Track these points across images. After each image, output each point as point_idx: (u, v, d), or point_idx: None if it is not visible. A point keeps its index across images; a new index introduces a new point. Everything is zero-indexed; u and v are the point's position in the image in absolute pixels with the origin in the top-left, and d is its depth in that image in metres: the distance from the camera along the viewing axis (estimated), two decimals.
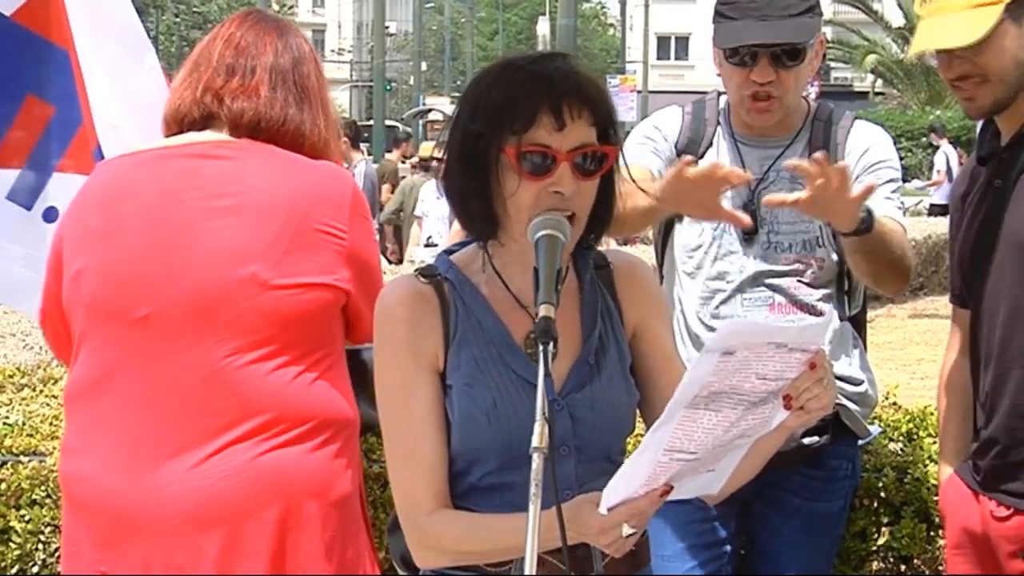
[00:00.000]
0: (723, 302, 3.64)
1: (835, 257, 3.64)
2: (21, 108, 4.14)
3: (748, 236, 3.63)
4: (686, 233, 3.73)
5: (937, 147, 25.27)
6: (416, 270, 2.68)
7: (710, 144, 3.73)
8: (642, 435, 2.32)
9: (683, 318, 3.70)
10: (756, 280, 3.63)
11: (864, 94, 49.20)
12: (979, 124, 3.30)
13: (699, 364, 2.17)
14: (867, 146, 3.67)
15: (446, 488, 2.56)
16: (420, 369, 2.56)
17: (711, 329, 3.60)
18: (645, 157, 3.67)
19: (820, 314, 3.57)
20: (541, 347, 2.24)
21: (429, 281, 2.61)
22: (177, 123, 3.20)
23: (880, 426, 4.00)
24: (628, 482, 2.26)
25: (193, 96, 3.17)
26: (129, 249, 3.04)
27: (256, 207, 3.02)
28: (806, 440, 3.56)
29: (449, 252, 2.70)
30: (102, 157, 3.69)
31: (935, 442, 3.98)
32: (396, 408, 2.58)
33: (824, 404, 2.33)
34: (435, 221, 12.89)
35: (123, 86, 4.02)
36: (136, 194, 3.09)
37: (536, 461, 2.16)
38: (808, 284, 3.62)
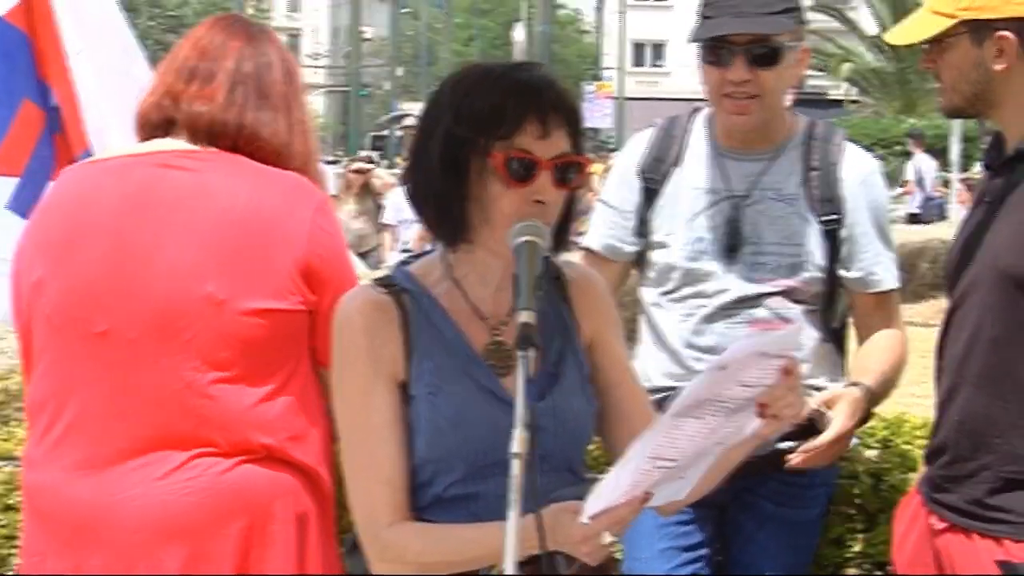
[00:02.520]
0: (704, 319, 3.61)
1: (820, 277, 3.63)
2: (18, 113, 4.11)
3: (730, 253, 3.61)
4: (662, 253, 3.70)
5: (912, 155, 25.34)
6: (374, 280, 2.68)
7: (676, 162, 3.71)
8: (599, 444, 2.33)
9: (664, 339, 3.67)
10: (737, 298, 3.60)
11: (839, 102, 49.29)
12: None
13: (697, 382, 2.22)
14: (863, 178, 3.67)
15: (406, 500, 2.55)
16: (379, 379, 2.56)
17: (694, 346, 3.60)
18: (605, 227, 3.75)
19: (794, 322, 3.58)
20: (521, 353, 2.25)
21: (388, 291, 2.61)
22: (143, 128, 3.16)
23: (856, 434, 4.00)
24: (611, 491, 2.27)
25: (154, 100, 3.14)
26: (89, 261, 2.99)
27: (214, 223, 2.98)
28: (782, 445, 3.56)
29: (405, 263, 2.70)
30: None
31: (911, 449, 3.99)
32: (355, 418, 2.58)
33: (796, 412, 2.37)
34: (415, 227, 12.86)
35: (114, 89, 4.00)
36: (98, 204, 3.04)
37: (515, 467, 2.16)
38: (792, 301, 3.61)
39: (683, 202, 3.67)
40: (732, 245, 3.59)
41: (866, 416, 3.63)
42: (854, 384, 3.62)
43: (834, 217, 3.63)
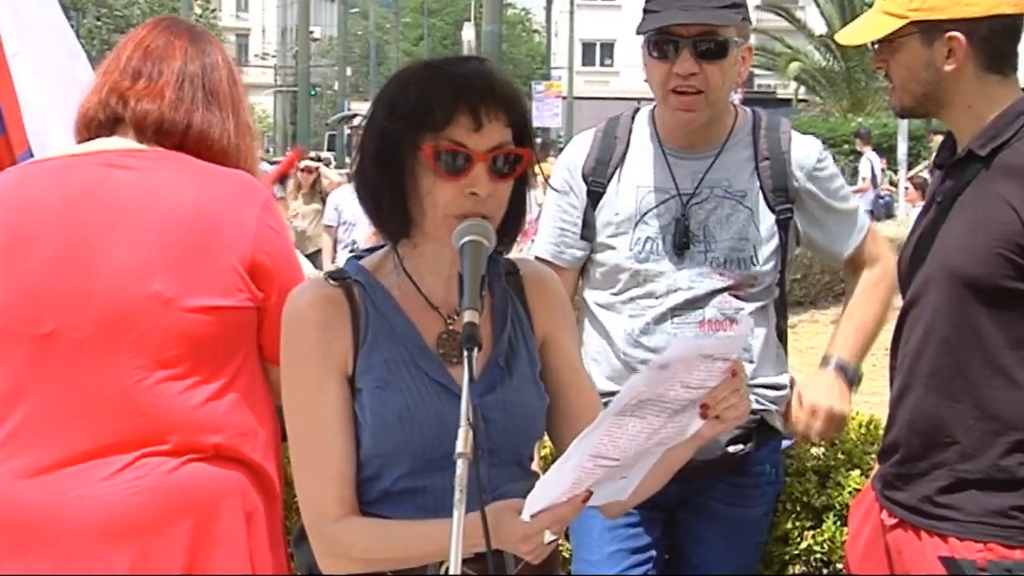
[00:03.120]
0: (654, 320, 3.61)
1: (771, 272, 3.65)
2: None
3: (680, 253, 3.61)
4: (609, 255, 3.69)
5: (860, 153, 25.47)
6: (325, 273, 2.67)
7: (620, 162, 3.70)
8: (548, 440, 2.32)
9: (610, 340, 3.66)
10: (688, 297, 3.60)
11: (787, 101, 49.53)
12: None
13: (637, 379, 2.20)
14: (813, 163, 3.71)
15: (354, 495, 2.54)
16: (329, 373, 2.55)
17: (641, 346, 3.60)
18: (552, 235, 3.75)
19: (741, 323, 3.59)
20: (466, 353, 2.24)
21: (339, 284, 2.60)
22: (86, 128, 3.14)
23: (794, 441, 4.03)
24: (552, 489, 2.26)
25: (99, 98, 3.12)
26: (34, 262, 2.97)
27: (160, 222, 2.96)
28: (731, 448, 3.56)
29: (358, 257, 2.70)
30: None
31: (856, 446, 4.02)
32: (303, 413, 2.57)
33: (739, 413, 2.37)
34: (367, 227, 12.77)
35: (55, 90, 3.97)
36: (39, 205, 3.01)
37: (460, 466, 2.15)
38: (741, 299, 3.62)
39: (628, 202, 3.67)
40: (682, 244, 3.59)
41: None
42: (826, 361, 3.73)
43: (787, 207, 3.65)
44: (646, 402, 2.23)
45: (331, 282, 2.61)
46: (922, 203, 3.46)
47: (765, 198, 3.64)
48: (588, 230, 3.70)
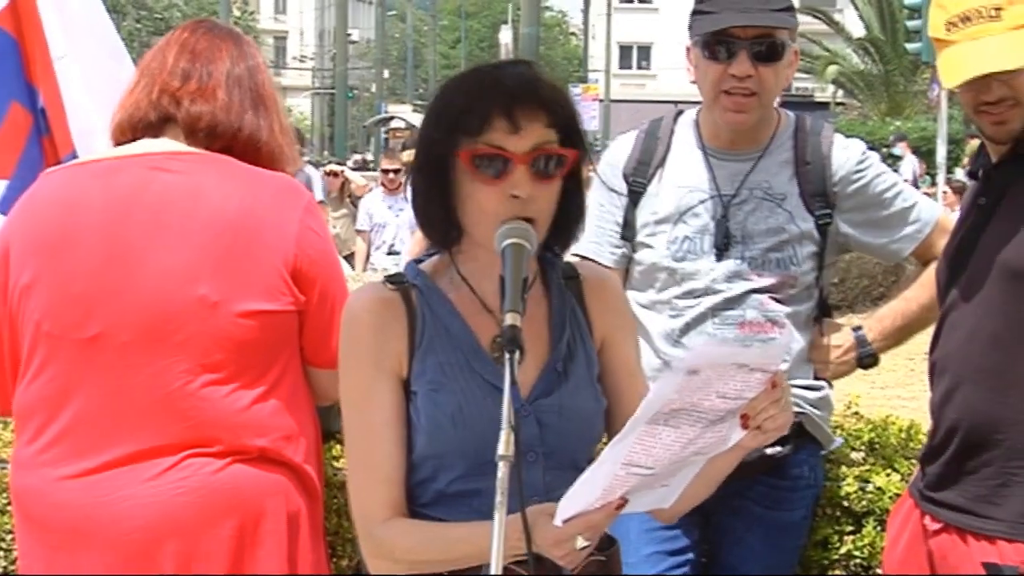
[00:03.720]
0: (693, 320, 3.60)
1: (809, 277, 3.65)
2: (6, 116, 4.11)
3: (719, 253, 3.61)
4: (647, 253, 3.69)
5: (900, 157, 25.37)
6: (384, 277, 2.68)
7: (661, 163, 3.70)
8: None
9: (649, 340, 3.64)
10: (727, 296, 3.59)
11: (825, 104, 49.40)
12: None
13: (664, 382, 2.18)
14: (855, 166, 3.68)
15: (402, 497, 2.55)
16: (383, 377, 2.56)
17: (681, 346, 3.59)
18: (594, 235, 3.73)
19: (783, 327, 3.58)
20: (508, 355, 2.25)
21: (396, 288, 2.61)
22: (132, 128, 3.15)
23: (842, 435, 4.01)
24: (584, 495, 2.26)
25: (149, 100, 3.13)
26: (80, 265, 2.99)
27: (205, 226, 2.98)
28: (769, 451, 3.54)
29: (417, 261, 2.71)
30: None
31: (897, 451, 4.00)
32: (357, 415, 2.58)
33: (780, 425, 2.36)
34: (396, 229, 12.82)
35: (100, 92, 3.99)
36: (87, 207, 3.03)
37: (502, 469, 2.16)
38: (781, 301, 3.61)
39: (668, 201, 3.67)
40: (722, 244, 3.59)
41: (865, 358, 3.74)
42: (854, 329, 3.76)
43: (827, 211, 3.64)
44: (679, 411, 2.21)
45: (389, 285, 2.62)
46: (959, 207, 3.41)
47: (804, 202, 3.63)
48: (628, 229, 3.71)
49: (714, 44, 3.52)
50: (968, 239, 3.11)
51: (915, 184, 23.56)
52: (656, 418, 2.20)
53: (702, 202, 3.63)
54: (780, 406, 2.34)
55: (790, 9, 3.56)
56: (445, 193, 2.53)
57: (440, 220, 2.56)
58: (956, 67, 3.00)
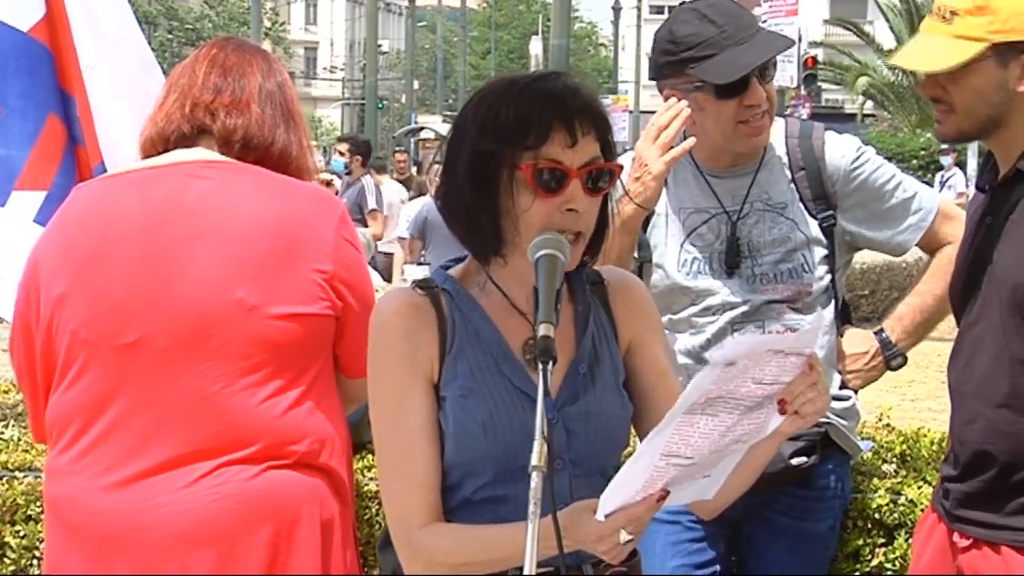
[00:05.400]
0: (715, 335, 3.58)
1: (823, 281, 3.64)
2: (43, 128, 4.13)
3: (730, 270, 3.60)
4: (659, 276, 3.68)
5: (930, 167, 25.28)
6: (413, 282, 2.69)
7: (663, 184, 3.61)
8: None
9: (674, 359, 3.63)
10: (745, 311, 3.59)
11: (854, 116, 49.28)
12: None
13: (702, 375, 2.19)
14: (846, 156, 3.66)
15: (438, 502, 2.56)
16: (415, 381, 2.56)
17: (705, 361, 3.58)
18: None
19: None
20: (540, 366, 2.25)
21: (426, 293, 2.62)
22: (163, 141, 3.16)
23: (874, 447, 4.01)
24: (625, 488, 2.26)
25: (182, 113, 3.14)
26: (116, 274, 3.00)
27: (242, 231, 3.00)
28: (794, 461, 3.55)
29: (445, 267, 2.72)
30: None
31: (928, 464, 4.00)
32: (390, 420, 2.58)
33: (818, 408, 2.35)
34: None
35: (130, 102, 4.02)
36: (122, 217, 3.05)
37: (535, 479, 2.17)
38: (798, 310, 3.60)
39: (673, 224, 3.66)
40: (732, 261, 3.59)
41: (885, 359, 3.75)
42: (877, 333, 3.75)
43: (829, 213, 3.64)
44: (716, 400, 2.22)
45: (418, 291, 2.63)
46: None
47: (806, 207, 3.63)
48: (644, 251, 3.69)
49: (728, 84, 3.46)
50: (979, 256, 3.10)
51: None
52: (694, 408, 2.21)
53: (706, 222, 3.63)
54: (817, 389, 2.33)
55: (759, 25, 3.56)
56: (494, 204, 2.53)
57: (488, 230, 2.56)
58: (898, 52, 3.20)
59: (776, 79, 3.68)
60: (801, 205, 3.63)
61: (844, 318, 3.77)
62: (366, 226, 14.06)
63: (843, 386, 3.71)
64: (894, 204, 3.70)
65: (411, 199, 14.80)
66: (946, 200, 3.84)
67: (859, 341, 3.72)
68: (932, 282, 3.67)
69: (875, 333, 3.73)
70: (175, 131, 3.15)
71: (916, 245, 3.75)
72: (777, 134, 3.68)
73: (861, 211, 3.68)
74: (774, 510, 3.65)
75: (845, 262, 3.76)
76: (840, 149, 3.67)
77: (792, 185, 3.64)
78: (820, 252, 3.63)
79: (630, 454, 2.33)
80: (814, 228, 3.62)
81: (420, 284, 2.65)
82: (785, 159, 3.66)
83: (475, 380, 2.56)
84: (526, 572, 2.14)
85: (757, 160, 3.64)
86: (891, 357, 3.71)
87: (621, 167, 2.60)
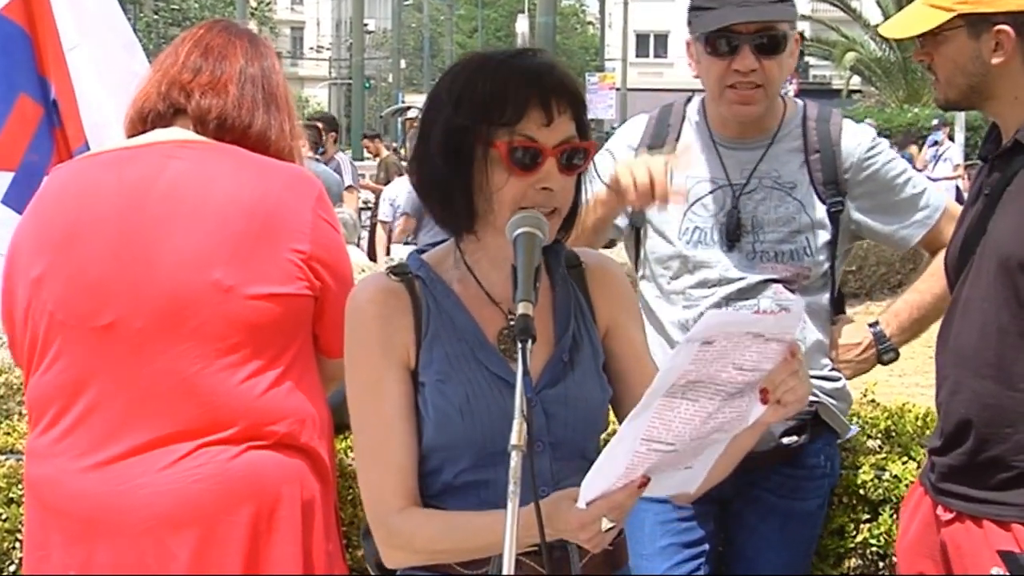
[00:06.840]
0: (707, 310, 3.56)
1: (823, 267, 3.64)
2: (13, 108, 4.11)
3: (730, 244, 3.60)
4: (658, 242, 3.69)
5: (938, 143, 25.26)
6: (387, 268, 2.67)
7: (672, 149, 3.66)
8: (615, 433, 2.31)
9: (664, 331, 3.65)
10: (741, 287, 3.59)
11: (841, 91, 49.28)
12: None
13: (678, 353, 2.16)
14: (861, 144, 3.67)
15: (416, 487, 2.55)
16: (391, 367, 2.55)
17: None
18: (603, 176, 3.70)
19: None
20: (520, 345, 2.24)
21: (400, 279, 2.61)
22: (142, 121, 3.16)
23: (858, 424, 4.00)
24: (606, 475, 2.24)
25: (158, 92, 3.14)
26: (92, 255, 2.99)
27: (218, 211, 2.99)
28: (785, 440, 3.56)
29: (420, 251, 2.70)
30: None
31: (913, 439, 3.99)
32: (367, 406, 2.57)
33: (799, 397, 2.32)
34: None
35: (113, 83, 4.00)
36: (97, 198, 3.04)
37: (514, 459, 2.15)
38: (794, 291, 3.60)
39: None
40: (733, 235, 3.58)
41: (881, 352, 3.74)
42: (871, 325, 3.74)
43: (838, 199, 3.64)
44: (696, 383, 2.20)
45: (392, 277, 2.61)
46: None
47: (816, 190, 3.62)
48: (638, 215, 3.69)
49: (716, 40, 3.51)
50: (975, 228, 3.11)
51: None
52: (673, 391, 2.18)
53: (711, 192, 3.63)
54: (798, 377, 2.31)
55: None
56: (468, 181, 2.51)
57: (461, 209, 2.54)
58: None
59: None
60: (811, 188, 3.63)
61: (837, 308, 3.77)
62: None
63: (834, 368, 3.71)
64: (903, 198, 3.71)
65: (386, 182, 14.72)
66: (952, 201, 3.84)
67: (853, 332, 3.71)
68: (931, 280, 3.66)
69: (870, 326, 3.72)
70: (151, 110, 3.15)
71: (919, 243, 3.74)
72: (795, 115, 3.69)
73: (869, 201, 3.68)
74: (764, 489, 3.65)
75: (845, 251, 3.76)
76: (856, 137, 3.68)
77: (805, 167, 3.64)
78: (824, 237, 3.62)
79: (609, 437, 2.32)
80: (821, 212, 3.62)
81: (394, 270, 2.64)
82: (800, 140, 3.66)
83: (451, 366, 2.55)
84: (506, 553, 2.13)
85: (769, 135, 3.65)
86: (884, 351, 3.71)
87: (596, 145, 2.58)
